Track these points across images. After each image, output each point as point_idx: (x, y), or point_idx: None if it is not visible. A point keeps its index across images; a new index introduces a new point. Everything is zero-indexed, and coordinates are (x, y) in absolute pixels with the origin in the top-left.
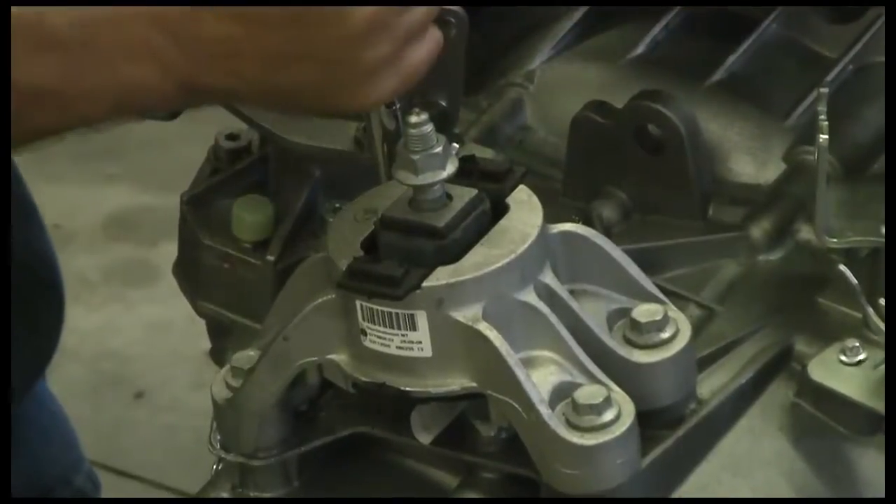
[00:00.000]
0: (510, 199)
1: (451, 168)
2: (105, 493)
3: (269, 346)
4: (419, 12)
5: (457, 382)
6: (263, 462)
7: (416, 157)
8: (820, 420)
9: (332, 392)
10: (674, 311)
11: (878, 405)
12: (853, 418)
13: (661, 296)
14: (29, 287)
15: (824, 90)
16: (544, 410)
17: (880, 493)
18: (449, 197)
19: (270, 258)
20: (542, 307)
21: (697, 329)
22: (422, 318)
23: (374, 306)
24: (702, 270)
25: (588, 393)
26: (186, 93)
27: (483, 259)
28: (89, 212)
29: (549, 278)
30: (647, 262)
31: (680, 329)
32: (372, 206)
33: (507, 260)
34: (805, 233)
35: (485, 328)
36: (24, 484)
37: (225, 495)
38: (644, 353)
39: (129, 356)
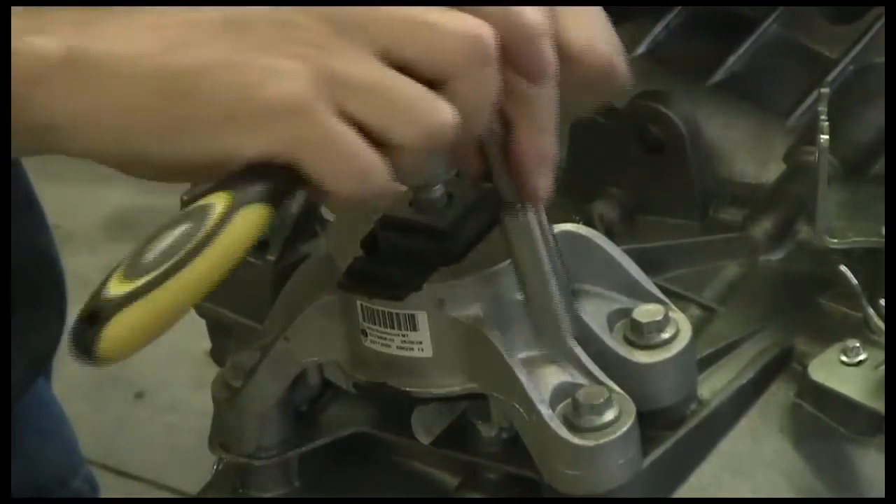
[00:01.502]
0: None
1: (452, 168)
2: (105, 493)
3: (270, 346)
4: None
5: (458, 383)
6: (264, 462)
7: None
8: (821, 421)
9: (332, 392)
10: (674, 312)
11: (879, 406)
12: (854, 419)
13: (661, 296)
14: (30, 284)
15: (825, 90)
16: (545, 411)
17: (881, 493)
18: (450, 197)
19: (271, 258)
20: None
21: (698, 329)
22: (422, 319)
23: (375, 307)
24: (702, 271)
25: (589, 393)
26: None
27: (484, 259)
28: (89, 212)
29: None
30: (648, 263)
31: (680, 329)
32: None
33: (508, 261)
34: (806, 233)
35: (485, 328)
36: (19, 485)
37: (226, 495)
38: (645, 353)
39: None
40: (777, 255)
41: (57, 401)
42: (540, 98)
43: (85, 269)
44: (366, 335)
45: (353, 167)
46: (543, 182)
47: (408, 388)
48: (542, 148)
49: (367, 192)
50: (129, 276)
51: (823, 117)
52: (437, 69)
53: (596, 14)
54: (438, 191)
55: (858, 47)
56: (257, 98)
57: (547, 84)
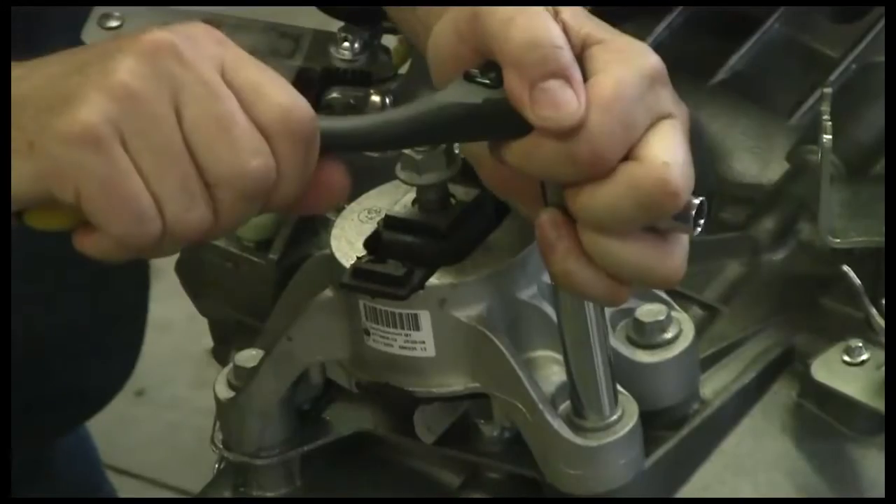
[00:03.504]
0: None
1: (454, 168)
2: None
3: (273, 345)
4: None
5: (460, 382)
6: (266, 461)
7: (419, 156)
8: (823, 420)
9: (335, 391)
10: (677, 312)
11: (882, 406)
12: (856, 419)
13: (664, 296)
14: (107, 323)
15: (827, 90)
16: (547, 411)
17: (883, 492)
18: (452, 197)
19: (273, 257)
20: (546, 307)
21: (700, 329)
22: (425, 318)
23: (378, 306)
24: (705, 270)
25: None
26: None
27: (486, 259)
28: None
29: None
30: None
31: (683, 329)
32: (375, 205)
33: (510, 260)
34: (808, 233)
35: (488, 328)
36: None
37: (227, 495)
38: (647, 353)
39: None
40: (779, 255)
41: (92, 442)
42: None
43: None
44: (368, 335)
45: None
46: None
47: (410, 388)
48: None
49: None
50: None
51: (826, 117)
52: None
53: (681, 135)
54: (441, 191)
55: (861, 46)
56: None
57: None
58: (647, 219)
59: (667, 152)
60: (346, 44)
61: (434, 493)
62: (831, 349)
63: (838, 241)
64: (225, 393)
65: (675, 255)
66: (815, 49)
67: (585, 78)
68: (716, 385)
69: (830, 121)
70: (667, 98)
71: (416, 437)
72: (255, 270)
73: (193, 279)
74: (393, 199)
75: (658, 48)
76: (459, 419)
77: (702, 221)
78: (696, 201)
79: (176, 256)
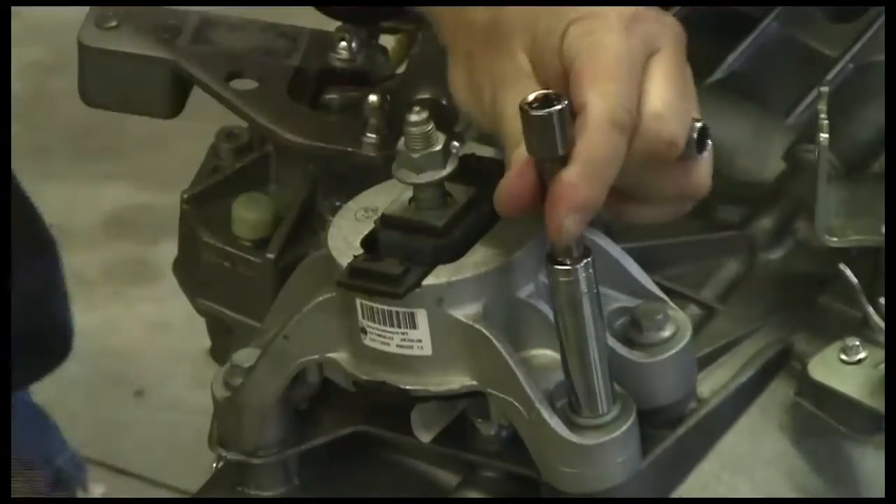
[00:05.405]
0: None
1: (451, 166)
2: (104, 492)
3: (269, 344)
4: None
5: (457, 381)
6: (264, 460)
7: (416, 155)
8: (820, 419)
9: (332, 390)
10: (674, 310)
11: (879, 404)
12: (853, 417)
13: (661, 294)
14: (31, 346)
15: (825, 89)
16: (544, 409)
17: (881, 492)
18: (449, 195)
19: (270, 256)
20: (543, 306)
21: (698, 328)
22: (422, 317)
23: (374, 305)
24: (702, 269)
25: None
26: None
27: (483, 258)
28: (89, 210)
29: None
30: (648, 261)
31: (680, 328)
32: (372, 204)
33: (507, 259)
34: (805, 231)
35: (485, 327)
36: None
37: (225, 494)
38: (644, 351)
39: (128, 354)
40: (777, 254)
41: (32, 399)
42: (609, 145)
43: (84, 268)
44: (365, 333)
45: None
46: (570, 225)
47: (407, 387)
48: (587, 194)
49: None
50: None
51: (823, 115)
52: None
53: (683, 81)
54: (438, 190)
55: (858, 45)
56: None
57: (623, 133)
58: (657, 165)
59: (657, 99)
60: (344, 43)
61: (431, 492)
62: (828, 348)
63: (835, 239)
64: (222, 392)
65: (700, 172)
66: (812, 48)
67: None
68: (713, 384)
69: (828, 120)
70: (649, 34)
71: (414, 436)
72: (253, 269)
73: (191, 279)
74: (390, 197)
75: None
76: (457, 418)
77: (709, 142)
78: (697, 126)
79: (174, 257)
